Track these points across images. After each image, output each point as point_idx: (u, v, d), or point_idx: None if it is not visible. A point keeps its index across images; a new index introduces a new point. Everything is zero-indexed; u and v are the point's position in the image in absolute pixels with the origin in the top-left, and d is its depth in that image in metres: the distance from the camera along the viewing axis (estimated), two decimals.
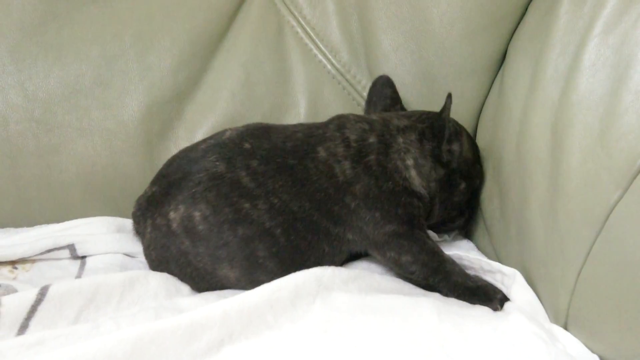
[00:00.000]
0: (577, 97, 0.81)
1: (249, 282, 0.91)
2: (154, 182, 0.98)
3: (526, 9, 1.03)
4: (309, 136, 0.97)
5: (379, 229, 0.93)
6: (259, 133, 0.97)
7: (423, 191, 0.96)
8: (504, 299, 0.89)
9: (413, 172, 0.96)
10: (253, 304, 0.80)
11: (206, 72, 1.15)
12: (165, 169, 0.98)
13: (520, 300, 0.86)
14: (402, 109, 1.09)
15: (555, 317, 0.83)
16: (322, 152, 0.94)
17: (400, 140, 0.97)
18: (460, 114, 1.10)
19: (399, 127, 0.98)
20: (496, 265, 0.91)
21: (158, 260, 0.95)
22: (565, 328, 0.81)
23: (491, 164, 1.01)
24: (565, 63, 0.85)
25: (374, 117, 1.00)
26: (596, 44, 0.81)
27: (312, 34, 1.16)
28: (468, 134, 1.05)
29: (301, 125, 1.01)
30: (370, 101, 1.10)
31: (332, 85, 1.16)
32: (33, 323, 0.79)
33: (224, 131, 0.99)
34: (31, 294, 0.81)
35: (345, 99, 1.15)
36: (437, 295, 0.91)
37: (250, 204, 0.90)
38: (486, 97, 1.09)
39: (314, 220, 0.92)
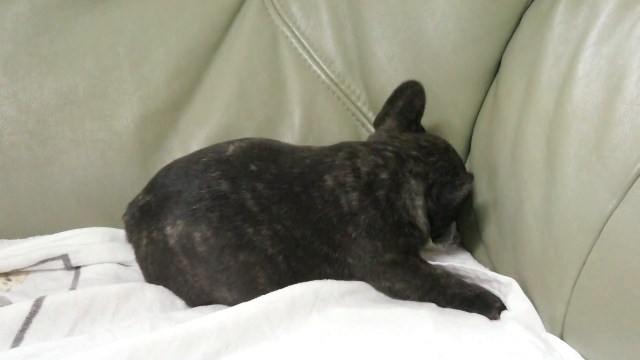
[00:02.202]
0: (572, 107, 0.81)
1: None
2: (148, 190, 0.96)
3: (520, 20, 1.04)
4: (317, 163, 0.94)
5: (378, 258, 0.92)
6: (266, 155, 0.95)
7: (424, 228, 0.96)
8: (502, 307, 0.89)
9: (420, 212, 0.95)
10: (250, 315, 0.80)
11: (200, 83, 1.15)
12: (162, 178, 0.96)
13: (516, 309, 0.86)
14: (420, 126, 1.08)
15: (551, 327, 0.83)
16: (329, 181, 0.92)
17: (413, 182, 0.95)
18: (455, 124, 1.11)
19: (412, 170, 0.96)
20: (492, 274, 0.91)
21: (155, 276, 0.94)
22: (562, 337, 0.81)
23: (486, 174, 1.01)
24: (560, 73, 0.85)
25: (389, 152, 0.97)
26: (590, 54, 0.81)
27: (306, 45, 1.16)
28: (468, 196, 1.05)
29: (309, 150, 0.98)
30: (393, 103, 1.05)
31: (327, 96, 1.16)
32: (28, 335, 0.79)
33: (227, 145, 0.97)
34: (26, 306, 0.81)
35: (339, 109, 1.15)
36: (433, 305, 0.90)
37: (254, 229, 0.89)
38: (480, 107, 1.10)
39: (314, 247, 0.91)
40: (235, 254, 0.88)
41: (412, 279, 0.92)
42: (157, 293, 0.91)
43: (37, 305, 0.81)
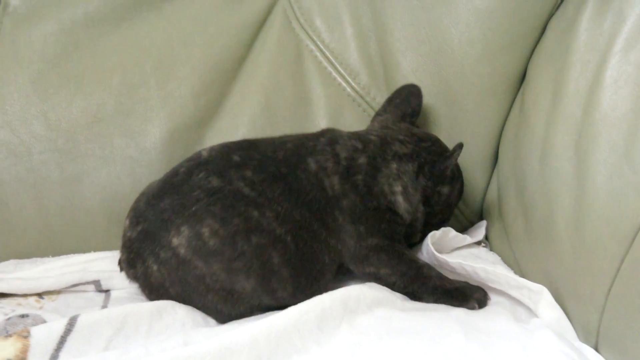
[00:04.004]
0: (600, 114, 0.81)
1: (265, 291, 0.90)
2: (135, 223, 0.93)
3: (545, 28, 1.03)
4: (299, 147, 0.98)
5: (361, 242, 0.94)
6: (246, 145, 0.97)
7: (406, 215, 0.98)
8: (482, 298, 0.92)
9: (400, 198, 0.97)
10: (281, 328, 0.80)
11: (226, 98, 1.15)
12: (143, 204, 0.94)
13: (548, 317, 0.86)
14: (414, 124, 1.09)
15: (585, 336, 0.82)
16: (312, 164, 0.95)
17: (394, 166, 0.98)
18: (481, 133, 1.10)
19: (397, 153, 0.98)
20: (523, 281, 0.90)
21: (180, 297, 0.92)
22: (596, 348, 0.80)
23: (515, 183, 1.01)
24: (587, 81, 0.85)
25: (374, 135, 1.01)
26: (617, 61, 0.81)
27: (331, 58, 1.17)
28: (462, 182, 1.07)
29: (288, 135, 1.02)
30: (391, 102, 1.10)
31: (352, 108, 1.16)
32: (63, 354, 0.79)
33: (198, 153, 0.98)
34: (60, 325, 0.81)
35: (365, 121, 1.15)
36: (461, 313, 0.90)
37: (259, 212, 0.89)
38: (507, 116, 1.09)
39: (314, 230, 0.92)
40: (248, 238, 0.89)
41: (398, 264, 0.94)
42: (189, 311, 0.91)
43: (71, 324, 0.81)
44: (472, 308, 0.91)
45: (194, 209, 0.89)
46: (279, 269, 0.90)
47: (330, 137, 1.00)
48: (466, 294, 0.92)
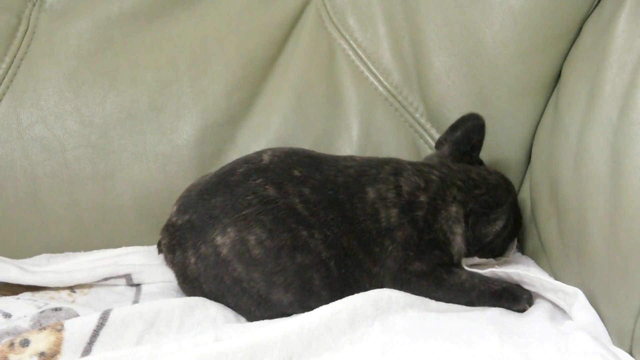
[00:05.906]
0: (637, 116, 0.80)
1: (301, 307, 0.91)
2: (184, 210, 0.95)
3: (581, 29, 1.02)
4: (361, 174, 0.96)
5: (407, 265, 0.93)
6: (308, 162, 0.96)
7: (456, 257, 0.97)
8: (530, 299, 0.92)
9: (458, 239, 0.96)
10: (313, 326, 0.80)
11: (258, 96, 1.16)
12: (195, 195, 0.95)
13: (582, 320, 0.85)
14: (478, 159, 1.07)
15: (619, 340, 0.81)
16: (371, 194, 0.94)
17: (454, 209, 0.96)
18: (515, 134, 1.10)
19: (456, 197, 0.97)
20: (558, 284, 0.90)
21: (212, 294, 0.93)
22: (630, 352, 0.79)
23: (548, 185, 1.00)
24: (623, 82, 0.84)
25: (434, 175, 0.98)
26: None
27: (363, 57, 1.17)
28: (514, 225, 1.03)
29: (353, 159, 1.00)
30: (453, 131, 1.05)
31: (384, 108, 1.16)
32: (96, 347, 0.79)
33: (258, 155, 0.97)
34: (93, 319, 0.82)
35: (397, 121, 1.15)
36: (496, 314, 0.90)
37: (308, 232, 0.90)
38: (541, 117, 1.08)
39: (359, 259, 0.92)
40: (292, 255, 0.89)
41: (434, 292, 0.93)
42: (220, 308, 0.92)
43: (104, 318, 0.82)
44: (523, 309, 0.91)
45: (244, 213, 0.90)
46: (318, 291, 0.91)
47: (395, 166, 0.98)
48: (516, 295, 0.92)
